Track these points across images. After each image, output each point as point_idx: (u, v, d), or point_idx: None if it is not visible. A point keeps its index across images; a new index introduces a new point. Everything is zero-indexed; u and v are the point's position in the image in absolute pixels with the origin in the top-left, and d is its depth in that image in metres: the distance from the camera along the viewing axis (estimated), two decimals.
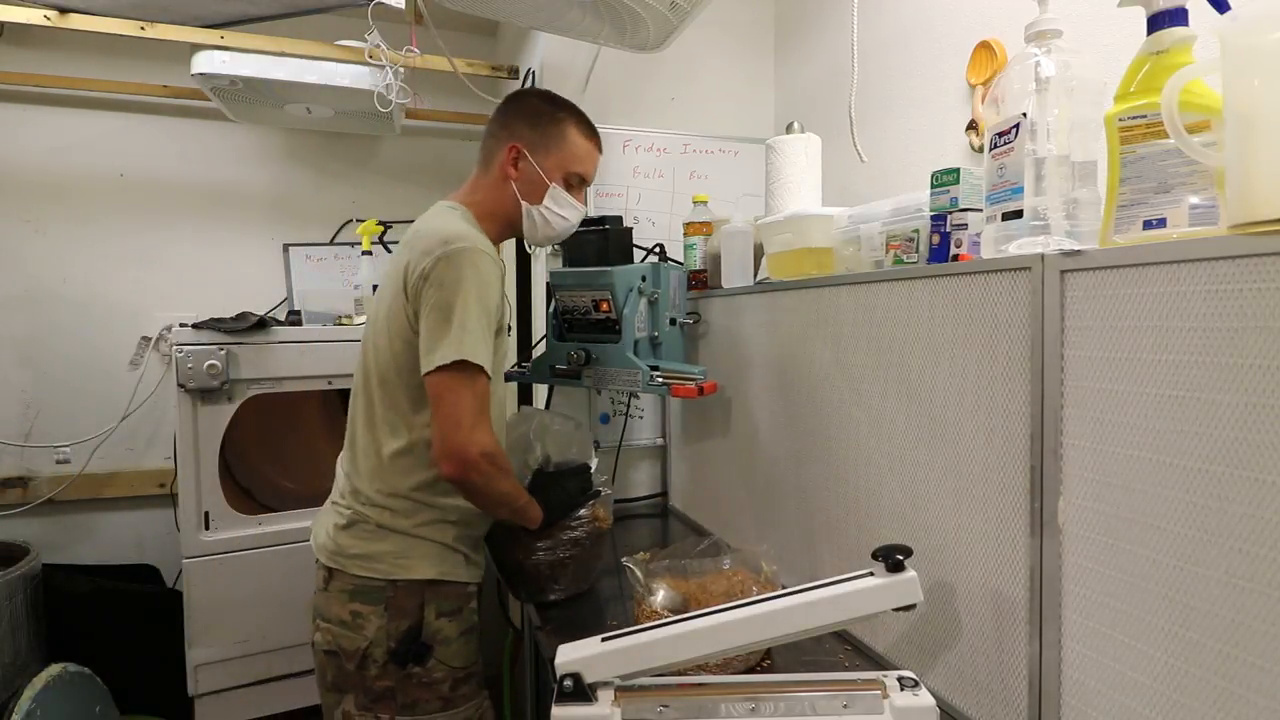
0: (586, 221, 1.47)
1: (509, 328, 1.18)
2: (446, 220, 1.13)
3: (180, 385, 1.61)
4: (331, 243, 2.33)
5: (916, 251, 0.97)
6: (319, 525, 1.20)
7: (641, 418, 1.82)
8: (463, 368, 1.02)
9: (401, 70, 1.78)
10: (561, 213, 1.23)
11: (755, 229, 1.35)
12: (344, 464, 1.19)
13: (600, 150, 1.28)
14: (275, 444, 2.01)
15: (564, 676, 0.73)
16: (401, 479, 1.10)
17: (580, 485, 1.26)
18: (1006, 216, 0.76)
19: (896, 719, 0.71)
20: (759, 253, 1.35)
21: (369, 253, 2.01)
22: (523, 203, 1.20)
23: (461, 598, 1.15)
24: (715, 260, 1.44)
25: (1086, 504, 0.67)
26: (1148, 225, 0.65)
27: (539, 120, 1.20)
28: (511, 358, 1.93)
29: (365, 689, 1.09)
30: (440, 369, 1.02)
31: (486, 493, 1.08)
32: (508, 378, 1.57)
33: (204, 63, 1.69)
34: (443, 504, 1.12)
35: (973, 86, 1.31)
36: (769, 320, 1.25)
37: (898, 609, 0.75)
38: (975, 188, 0.89)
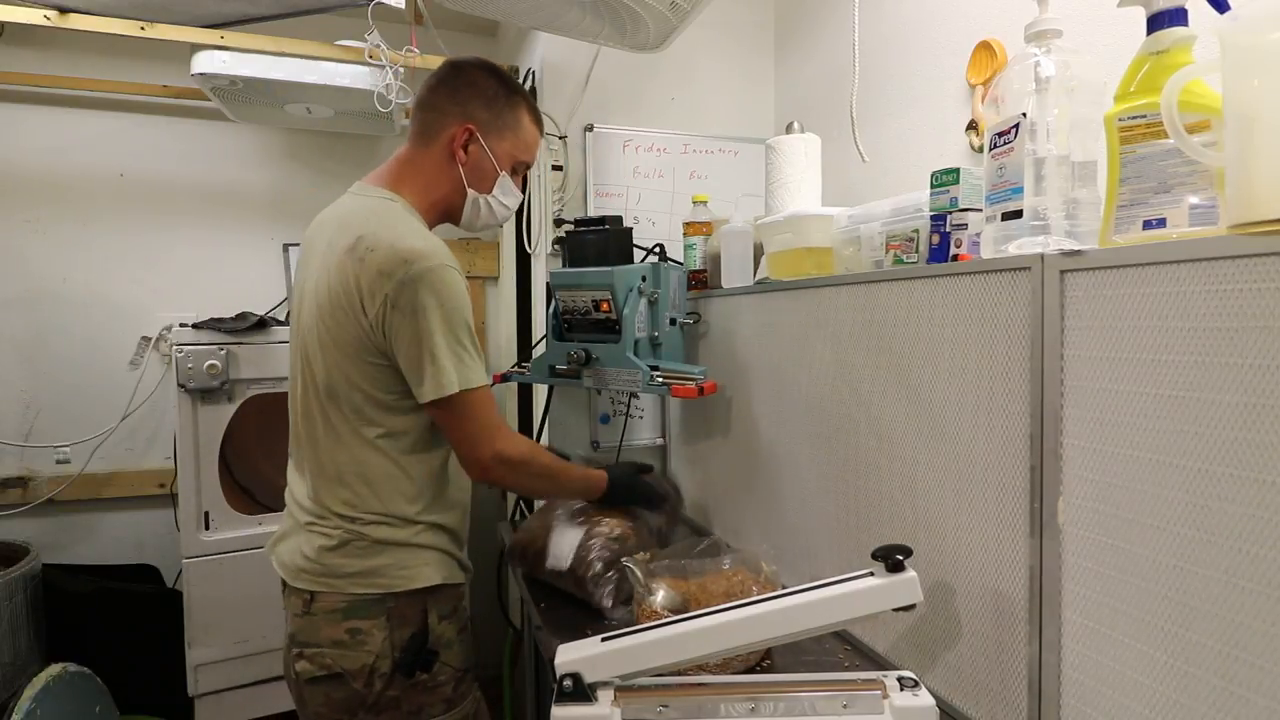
0: (586, 221, 1.47)
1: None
2: (395, 226, 1.02)
3: (180, 385, 1.62)
4: None
5: (916, 251, 0.97)
6: (288, 549, 1.09)
7: (641, 418, 1.82)
8: (460, 394, 1.00)
9: (401, 70, 1.78)
10: (505, 201, 1.17)
11: (755, 229, 1.35)
12: (311, 484, 1.08)
13: (543, 134, 1.23)
14: (275, 444, 2.00)
15: (564, 676, 0.73)
16: (398, 497, 1.05)
17: (646, 492, 1.33)
18: (1006, 216, 0.76)
19: (896, 719, 0.71)
20: (759, 253, 1.35)
21: None
22: (468, 190, 1.13)
23: (456, 597, 1.13)
24: (715, 260, 1.44)
25: (1086, 504, 0.67)
26: (1148, 225, 0.65)
27: (495, 102, 1.12)
28: (511, 357, 1.93)
29: (368, 705, 1.03)
30: (435, 403, 1.00)
31: (515, 488, 1.12)
32: (506, 378, 1.57)
33: (204, 63, 1.70)
34: (436, 516, 1.09)
35: (973, 86, 1.31)
36: (769, 320, 1.25)
37: (898, 609, 0.75)
38: (975, 188, 0.89)
